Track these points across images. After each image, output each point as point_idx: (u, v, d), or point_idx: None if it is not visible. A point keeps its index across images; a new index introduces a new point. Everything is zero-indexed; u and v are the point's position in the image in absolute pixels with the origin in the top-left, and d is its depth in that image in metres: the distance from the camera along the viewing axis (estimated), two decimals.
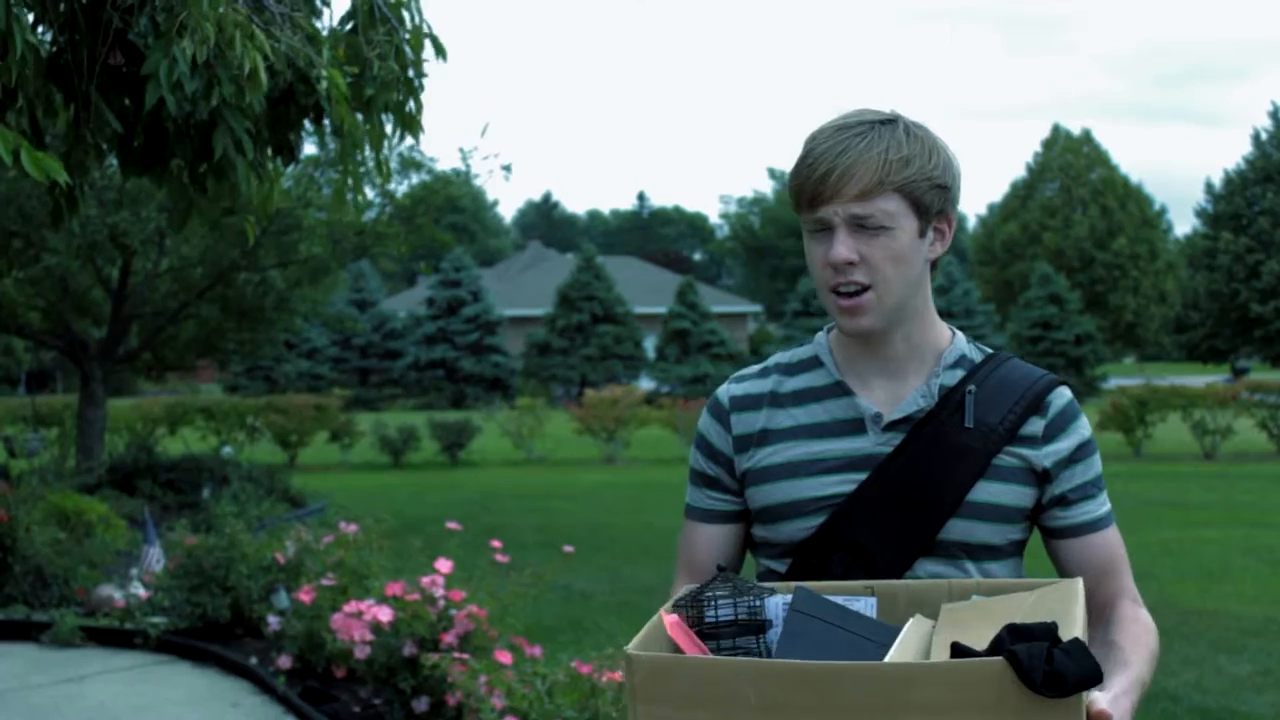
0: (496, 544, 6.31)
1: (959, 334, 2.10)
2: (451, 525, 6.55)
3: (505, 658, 5.46)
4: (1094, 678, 1.49)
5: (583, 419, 23.64)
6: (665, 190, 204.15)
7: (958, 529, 1.97)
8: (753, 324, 58.44)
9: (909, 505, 1.97)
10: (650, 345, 47.54)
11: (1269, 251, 50.67)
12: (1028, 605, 1.74)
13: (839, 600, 1.82)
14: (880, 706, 1.50)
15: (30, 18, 3.75)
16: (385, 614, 5.75)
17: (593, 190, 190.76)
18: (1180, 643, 7.95)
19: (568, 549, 6.94)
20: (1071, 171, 60.99)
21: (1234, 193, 53.35)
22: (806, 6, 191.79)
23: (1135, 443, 23.27)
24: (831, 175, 1.92)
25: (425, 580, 5.89)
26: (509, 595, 6.05)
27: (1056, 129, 63.09)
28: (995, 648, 1.52)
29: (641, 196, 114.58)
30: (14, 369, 35.92)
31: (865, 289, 1.95)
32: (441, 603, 5.78)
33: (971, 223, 74.06)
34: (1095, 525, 2.04)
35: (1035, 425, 2.01)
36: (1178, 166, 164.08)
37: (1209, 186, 55.01)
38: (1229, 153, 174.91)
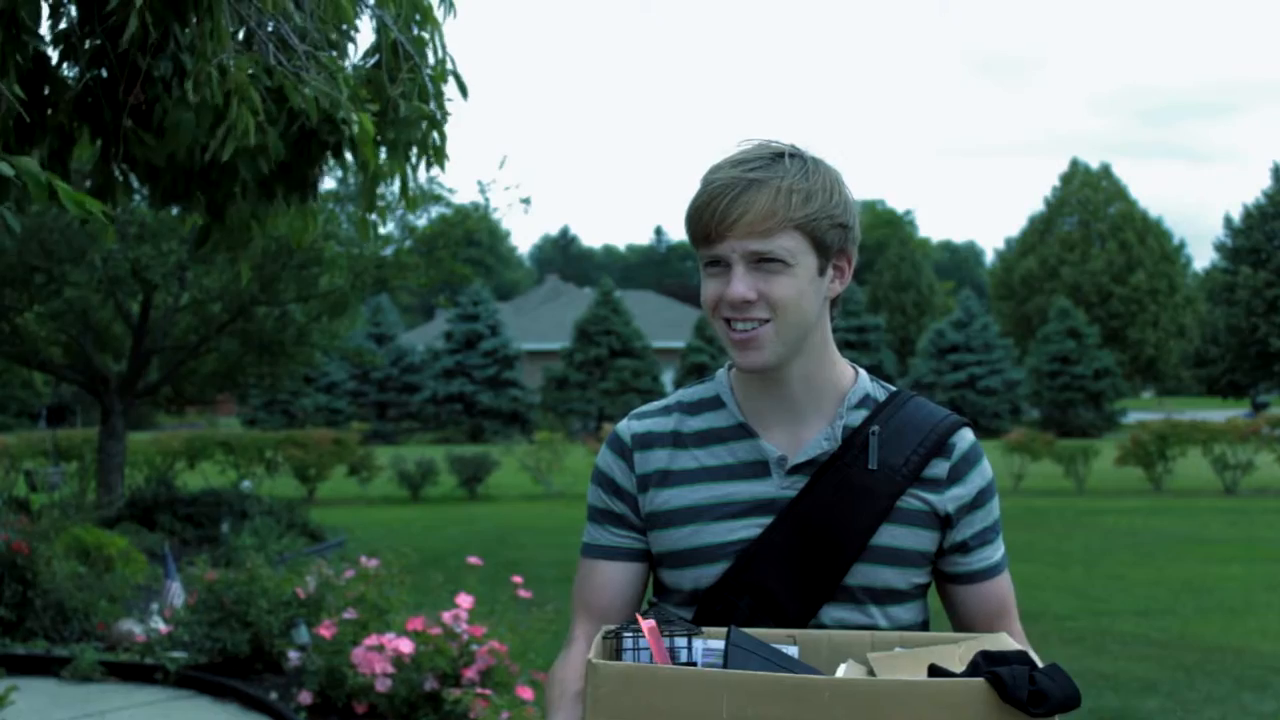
0: (518, 579, 6.30)
1: (862, 372, 2.07)
2: (472, 560, 6.55)
3: (527, 693, 5.46)
4: (1075, 698, 1.52)
5: None
6: (682, 225, 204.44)
7: (861, 573, 1.93)
8: None
9: (815, 550, 1.92)
10: (668, 379, 47.51)
11: None
12: (958, 654, 1.73)
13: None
14: None
15: (55, 56, 3.80)
16: (406, 646, 5.75)
17: (610, 225, 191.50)
18: (1203, 680, 7.89)
19: None
20: (1090, 206, 60.90)
21: (1253, 227, 53.24)
22: (821, 46, 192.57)
23: (1155, 478, 23.16)
24: (730, 211, 1.88)
25: (447, 615, 5.89)
26: (530, 630, 6.05)
27: (1075, 164, 63.01)
28: (972, 671, 1.55)
29: (659, 231, 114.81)
30: (34, 403, 36.05)
31: (764, 322, 1.90)
32: (464, 637, 5.77)
33: (989, 257, 73.99)
34: (991, 572, 2.03)
35: (939, 467, 1.97)
36: (1178, 203, 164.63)
37: (1228, 221, 54.93)
38: (1229, 189, 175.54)
